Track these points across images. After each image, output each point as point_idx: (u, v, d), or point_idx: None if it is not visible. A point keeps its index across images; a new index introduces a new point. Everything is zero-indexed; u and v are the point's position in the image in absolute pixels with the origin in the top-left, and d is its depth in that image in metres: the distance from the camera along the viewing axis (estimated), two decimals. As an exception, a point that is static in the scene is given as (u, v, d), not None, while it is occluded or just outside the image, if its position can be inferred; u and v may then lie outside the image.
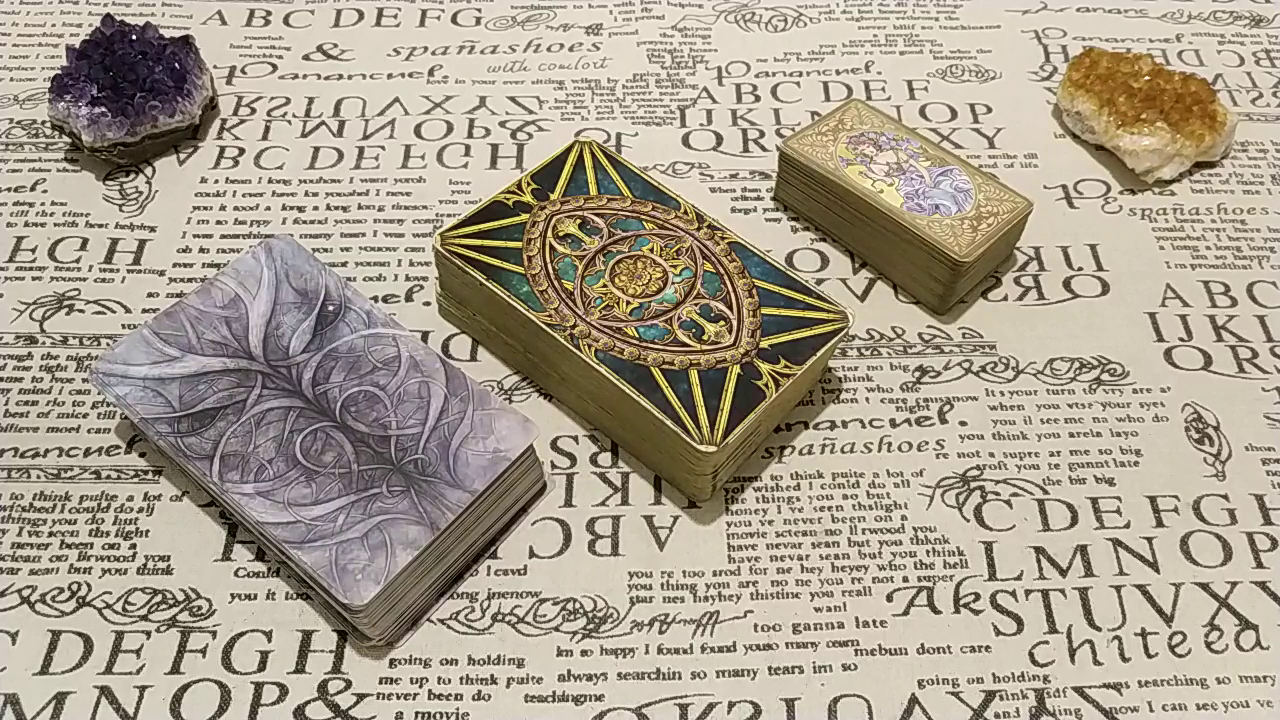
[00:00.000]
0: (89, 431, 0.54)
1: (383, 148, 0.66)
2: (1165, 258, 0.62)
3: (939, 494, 0.53)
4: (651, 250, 0.54)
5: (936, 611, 0.49)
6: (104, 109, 0.61)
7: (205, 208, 0.63)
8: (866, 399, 0.56)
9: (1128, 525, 0.52)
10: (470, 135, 0.67)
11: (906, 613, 0.49)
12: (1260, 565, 0.51)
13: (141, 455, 0.53)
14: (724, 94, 0.70)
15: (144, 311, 0.58)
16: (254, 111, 0.68)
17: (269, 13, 0.75)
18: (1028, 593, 0.50)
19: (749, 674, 0.47)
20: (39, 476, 0.52)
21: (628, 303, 0.52)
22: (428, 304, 0.59)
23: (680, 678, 0.47)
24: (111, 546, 0.50)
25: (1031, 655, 0.48)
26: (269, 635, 0.48)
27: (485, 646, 0.48)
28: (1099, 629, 0.49)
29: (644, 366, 0.50)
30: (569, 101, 0.69)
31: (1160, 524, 0.52)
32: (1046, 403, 0.56)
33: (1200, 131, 0.64)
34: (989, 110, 0.70)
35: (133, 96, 0.62)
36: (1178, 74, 0.66)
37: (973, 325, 0.59)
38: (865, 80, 0.71)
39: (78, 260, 0.60)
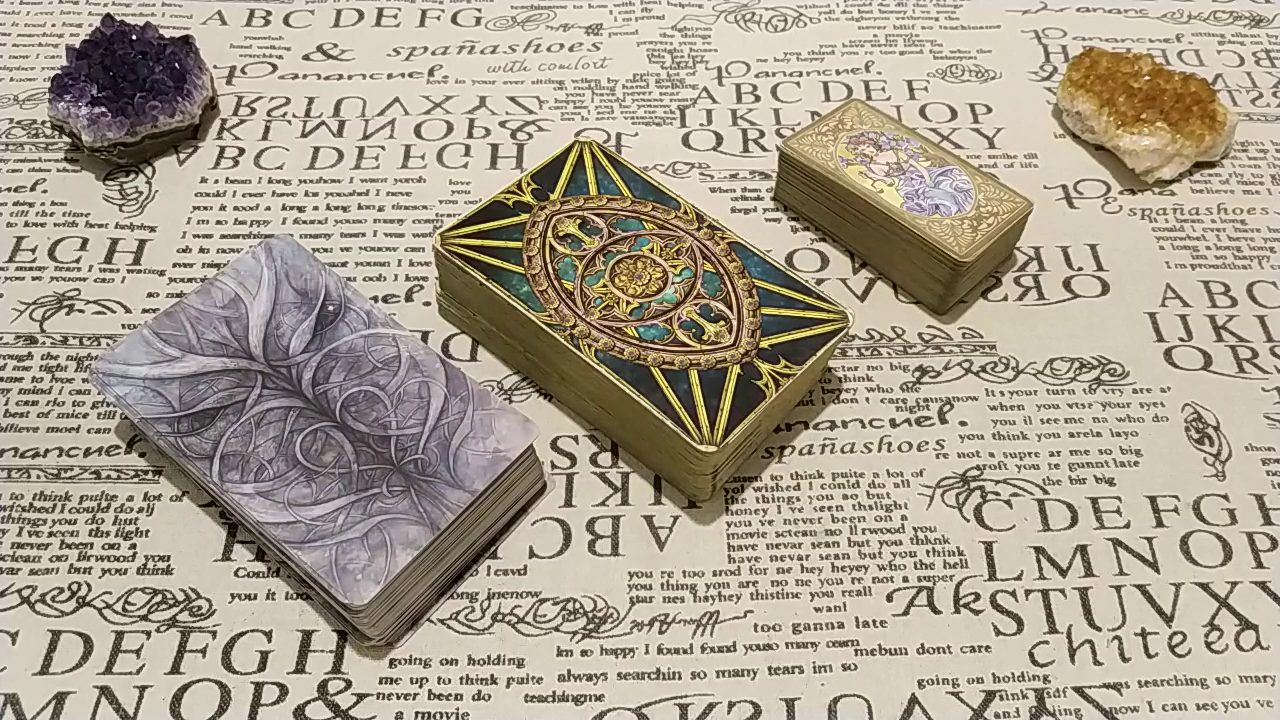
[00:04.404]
0: (89, 431, 0.54)
1: (383, 148, 0.66)
2: (1165, 258, 0.62)
3: (939, 494, 0.53)
4: (651, 250, 0.54)
5: (936, 611, 0.49)
6: (104, 109, 0.61)
7: (205, 208, 0.63)
8: (866, 399, 0.56)
9: (1128, 525, 0.52)
10: (470, 135, 0.67)
11: (906, 613, 0.49)
12: (1260, 565, 0.51)
13: (141, 455, 0.53)
14: (724, 94, 0.70)
15: (144, 311, 0.58)
16: (254, 111, 0.68)
17: (269, 13, 0.75)
18: (1028, 593, 0.50)
19: (749, 674, 0.47)
20: (39, 476, 0.52)
21: (628, 303, 0.52)
22: (428, 304, 0.59)
23: (680, 678, 0.47)
24: (111, 546, 0.50)
25: (1031, 655, 0.48)
26: (269, 635, 0.48)
27: (485, 646, 0.48)
28: (1099, 629, 0.49)
29: (644, 366, 0.50)
30: (569, 101, 0.69)
31: (1160, 524, 0.52)
32: (1046, 403, 0.56)
33: (1200, 131, 0.64)
34: (989, 110, 0.70)
35: (133, 96, 0.62)
36: (1178, 74, 0.66)
37: (973, 325, 0.59)
38: (865, 80, 0.71)
39: (78, 260, 0.60)
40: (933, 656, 0.48)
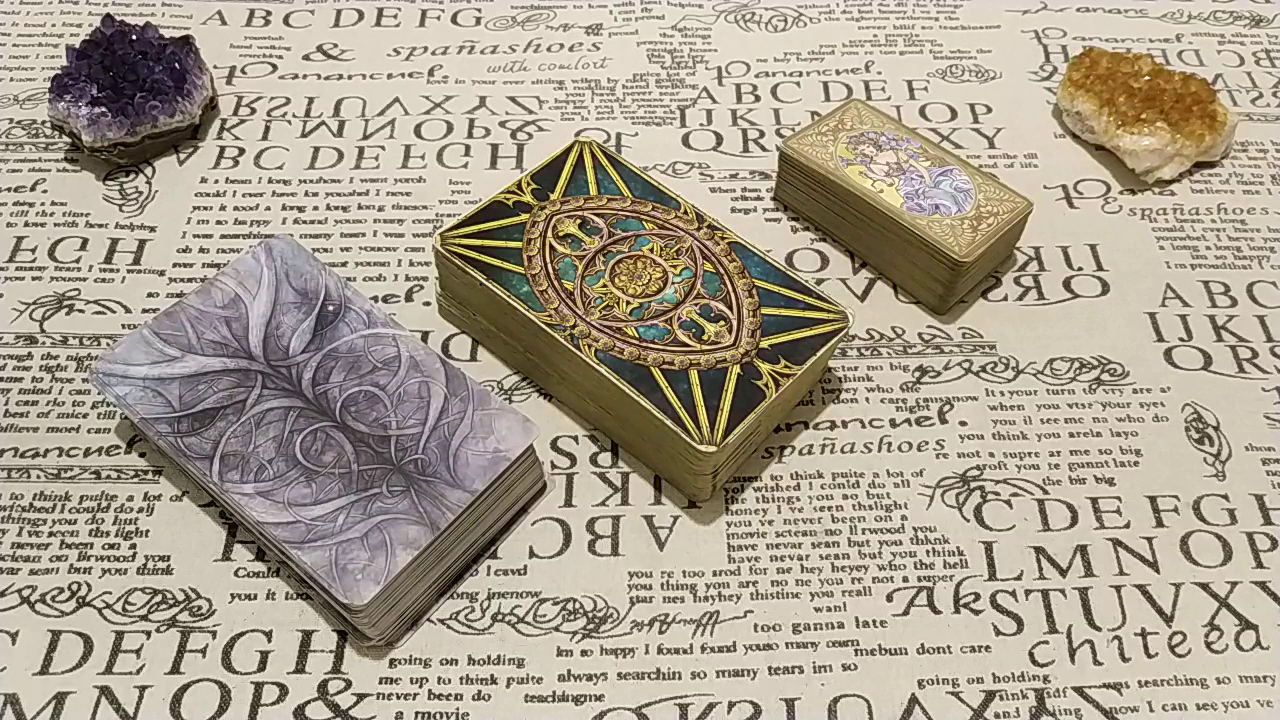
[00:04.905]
0: (89, 431, 0.54)
1: (383, 148, 0.66)
2: (1165, 258, 0.62)
3: (939, 494, 0.53)
4: (651, 250, 0.54)
5: (936, 611, 0.49)
6: (104, 109, 0.61)
7: (205, 208, 0.63)
8: (866, 399, 0.56)
9: (1128, 525, 0.52)
10: (470, 135, 0.67)
11: (906, 613, 0.49)
12: (1260, 565, 0.51)
13: (141, 455, 0.53)
14: (724, 94, 0.70)
15: (144, 311, 0.58)
16: (254, 111, 0.68)
17: (269, 13, 0.75)
18: (1028, 593, 0.50)
19: (749, 674, 0.47)
20: (39, 476, 0.52)
21: (628, 303, 0.52)
22: (428, 304, 0.59)
23: (680, 678, 0.47)
24: (111, 546, 0.50)
25: (1031, 655, 0.48)
26: (269, 635, 0.48)
27: (485, 646, 0.48)
28: (1099, 629, 0.49)
29: (644, 366, 0.50)
30: (569, 101, 0.69)
31: (1160, 524, 0.52)
32: (1046, 403, 0.56)
33: (1200, 131, 0.64)
34: (989, 110, 0.70)
35: (133, 96, 0.62)
36: (1178, 74, 0.66)
37: (973, 325, 0.59)
38: (865, 80, 0.71)
39: (78, 260, 0.60)
40: (933, 656, 0.48)
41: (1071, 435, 0.55)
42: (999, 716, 0.46)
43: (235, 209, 0.63)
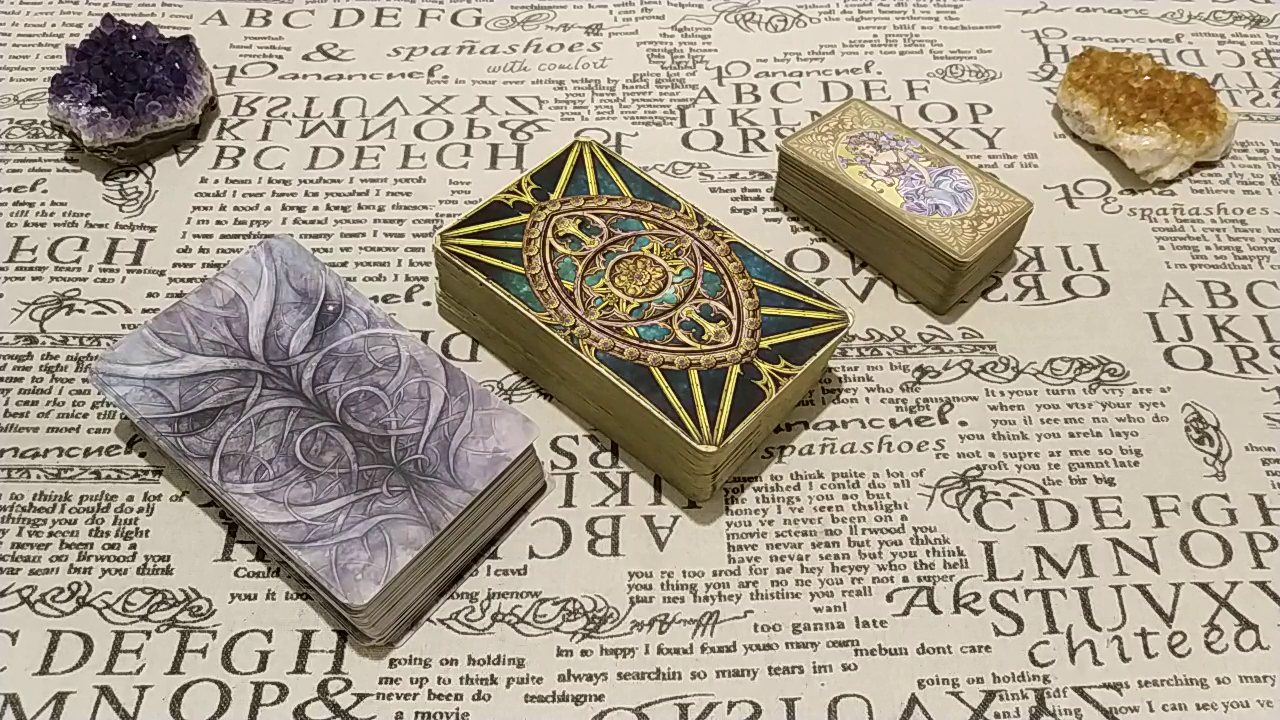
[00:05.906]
0: (89, 431, 0.54)
1: (383, 148, 0.66)
2: (1165, 258, 0.62)
3: (939, 494, 0.53)
4: (651, 250, 0.54)
5: (936, 611, 0.49)
6: (104, 109, 0.61)
7: (205, 208, 0.63)
8: (866, 399, 0.56)
9: (1128, 525, 0.52)
10: (470, 135, 0.67)
11: (906, 613, 0.49)
12: (1260, 565, 0.51)
13: (141, 455, 0.53)
14: (724, 94, 0.70)
15: (144, 311, 0.58)
16: (254, 111, 0.68)
17: (269, 13, 0.75)
18: (1028, 593, 0.50)
19: (749, 674, 0.47)
20: (39, 476, 0.52)
21: (628, 303, 0.52)
22: (428, 304, 0.59)
23: (680, 678, 0.47)
24: (111, 546, 0.50)
25: (1031, 655, 0.48)
26: (269, 635, 0.48)
27: (485, 646, 0.48)
28: (1099, 629, 0.49)
29: (644, 366, 0.50)
30: (569, 101, 0.69)
31: (1160, 524, 0.52)
32: (1046, 403, 0.56)
33: (1200, 131, 0.64)
34: (989, 110, 0.70)
35: (133, 96, 0.62)
36: (1178, 74, 0.66)
37: (973, 325, 0.59)
38: (865, 80, 0.71)
39: (78, 260, 0.60)
40: (933, 656, 0.48)
41: (1071, 435, 0.55)
42: (999, 716, 0.46)
43: (235, 209, 0.63)
